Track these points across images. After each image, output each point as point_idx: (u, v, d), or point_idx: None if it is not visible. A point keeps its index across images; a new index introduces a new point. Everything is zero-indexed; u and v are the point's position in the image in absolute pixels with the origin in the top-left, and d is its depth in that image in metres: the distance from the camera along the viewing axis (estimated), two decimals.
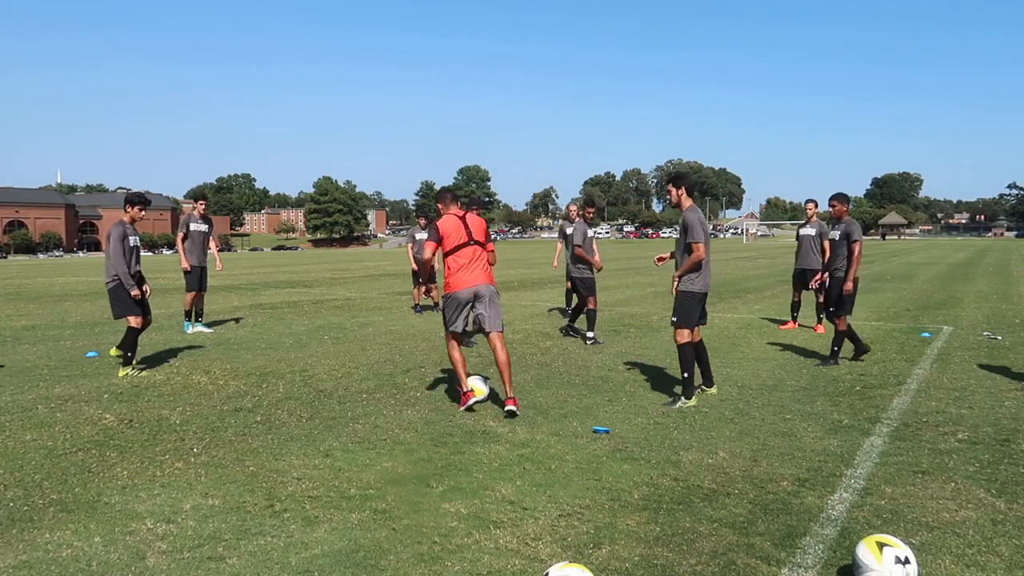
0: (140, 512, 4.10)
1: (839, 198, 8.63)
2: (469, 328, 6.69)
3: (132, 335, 8.03)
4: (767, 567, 3.41)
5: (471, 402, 6.35)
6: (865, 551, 3.21)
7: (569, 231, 13.01)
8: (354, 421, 6.01)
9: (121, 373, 7.95)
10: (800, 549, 3.59)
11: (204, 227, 11.65)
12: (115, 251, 7.88)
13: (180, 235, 11.68)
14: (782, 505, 4.14)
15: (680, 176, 6.52)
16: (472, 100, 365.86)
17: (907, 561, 3.14)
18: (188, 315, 11.60)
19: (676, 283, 6.43)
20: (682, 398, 6.41)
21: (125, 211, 8.16)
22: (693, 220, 6.33)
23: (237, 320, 13.22)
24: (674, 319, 6.47)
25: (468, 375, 6.57)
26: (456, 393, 7.02)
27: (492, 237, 6.84)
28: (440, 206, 6.79)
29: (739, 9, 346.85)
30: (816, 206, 11.35)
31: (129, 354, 8.04)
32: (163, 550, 3.62)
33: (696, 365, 6.55)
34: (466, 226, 6.52)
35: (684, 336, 6.42)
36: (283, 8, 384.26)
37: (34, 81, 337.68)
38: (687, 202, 6.44)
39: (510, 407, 6.15)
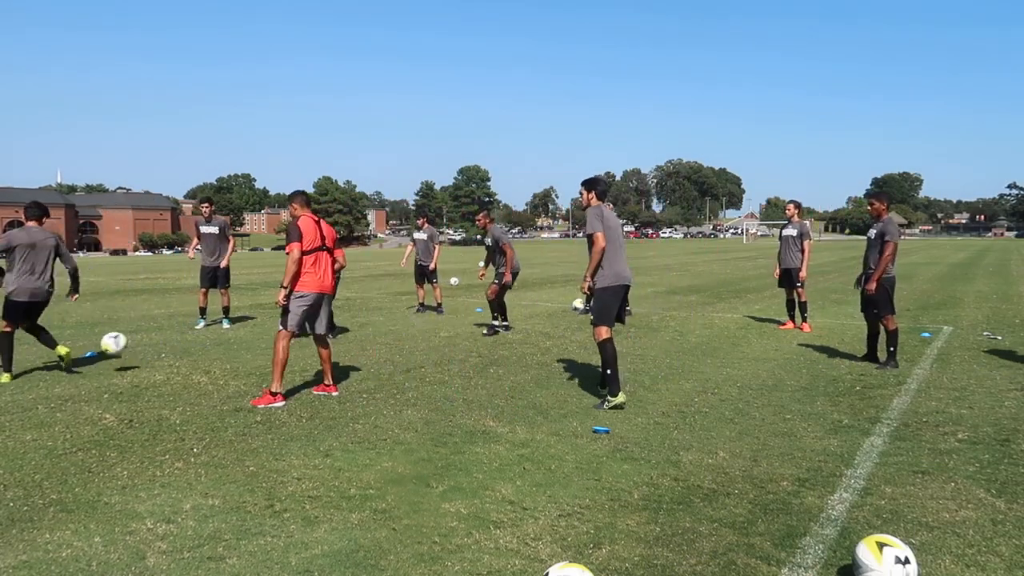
0: (140, 512, 4.10)
1: (877, 196, 8.39)
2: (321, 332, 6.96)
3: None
4: (767, 567, 3.41)
5: (275, 405, 6.45)
6: (865, 551, 3.21)
7: None
8: (354, 421, 6.01)
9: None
10: (800, 549, 3.59)
11: (212, 229, 12.00)
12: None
13: (195, 240, 12.33)
14: (782, 505, 4.14)
15: (591, 180, 6.60)
16: (472, 100, 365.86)
17: (907, 561, 3.14)
18: (202, 312, 12.07)
19: (587, 281, 6.41)
20: (608, 397, 6.34)
21: (41, 221, 8.00)
22: (588, 215, 6.42)
23: (232, 320, 13.20)
24: (592, 318, 6.49)
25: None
26: (452, 395, 7.03)
27: (338, 244, 7.24)
28: (295, 206, 6.95)
29: (739, 8, 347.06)
30: (796, 207, 11.47)
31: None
32: (163, 550, 3.62)
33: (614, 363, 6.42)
34: (320, 231, 6.87)
35: (603, 333, 6.38)
36: (283, 8, 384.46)
37: (34, 81, 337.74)
38: (594, 203, 6.50)
39: (328, 393, 6.87)
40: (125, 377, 7.89)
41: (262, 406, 6.43)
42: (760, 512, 4.05)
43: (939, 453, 5.06)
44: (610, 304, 6.41)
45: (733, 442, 5.35)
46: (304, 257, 6.66)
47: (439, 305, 13.84)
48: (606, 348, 6.36)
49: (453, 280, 21.93)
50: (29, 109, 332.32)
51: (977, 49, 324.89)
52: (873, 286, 8.09)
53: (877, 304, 8.20)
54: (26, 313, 7.86)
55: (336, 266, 7.17)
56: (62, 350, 8.06)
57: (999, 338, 10.15)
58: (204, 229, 11.87)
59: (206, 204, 12.15)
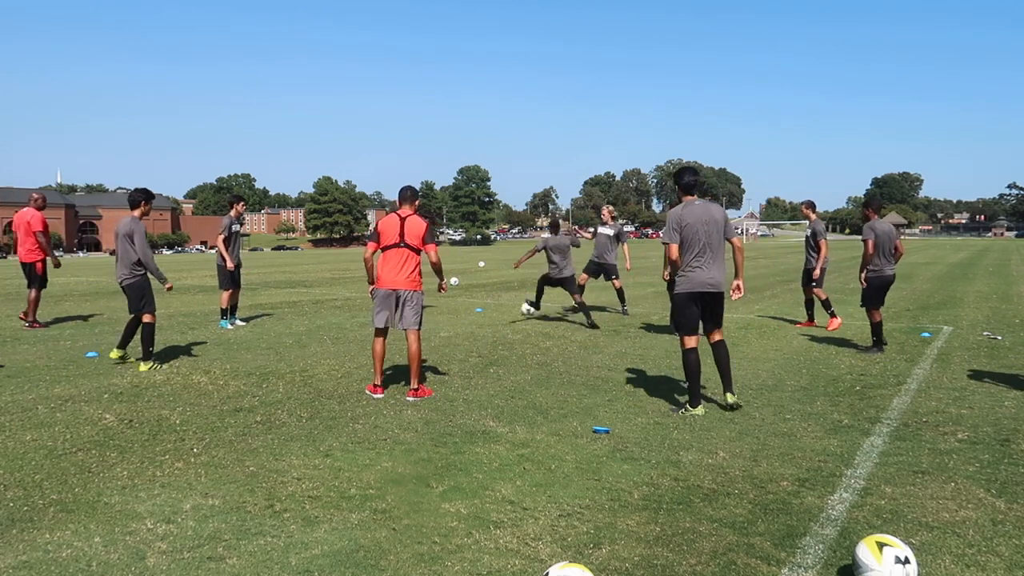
0: (140, 512, 4.10)
1: (865, 204, 9.65)
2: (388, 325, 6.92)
3: (151, 330, 8.48)
4: (767, 567, 3.41)
5: (379, 396, 6.82)
6: (865, 551, 3.21)
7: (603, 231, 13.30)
8: (354, 421, 6.01)
9: (143, 368, 8.21)
10: (800, 549, 3.59)
11: (239, 227, 12.13)
12: (145, 247, 8.45)
13: (222, 237, 11.83)
14: (782, 505, 4.14)
15: (675, 174, 6.41)
16: (472, 100, 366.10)
17: (907, 561, 3.14)
18: (224, 312, 12.09)
19: (665, 271, 6.48)
20: (687, 405, 6.20)
21: (140, 207, 8.47)
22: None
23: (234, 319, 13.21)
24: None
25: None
26: (452, 395, 7.04)
27: (431, 240, 6.87)
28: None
29: (739, 8, 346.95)
30: (810, 208, 11.73)
31: (151, 348, 8.44)
32: (163, 550, 3.62)
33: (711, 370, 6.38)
34: (402, 227, 6.77)
35: (684, 343, 6.23)
36: (283, 8, 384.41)
37: (34, 81, 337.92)
38: (688, 198, 6.29)
39: (409, 398, 6.71)
40: (125, 377, 7.89)
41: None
42: (760, 512, 4.05)
43: (939, 453, 5.06)
44: (679, 311, 6.28)
45: (733, 442, 5.35)
46: (383, 254, 6.84)
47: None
48: (683, 357, 6.23)
49: (454, 280, 21.96)
50: (29, 109, 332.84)
51: (977, 49, 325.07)
52: (862, 280, 9.27)
53: (863, 298, 9.31)
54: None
55: (431, 261, 7.06)
56: (114, 354, 8.58)
57: (999, 338, 10.15)
58: (237, 228, 11.90)
59: (241, 203, 11.99)
